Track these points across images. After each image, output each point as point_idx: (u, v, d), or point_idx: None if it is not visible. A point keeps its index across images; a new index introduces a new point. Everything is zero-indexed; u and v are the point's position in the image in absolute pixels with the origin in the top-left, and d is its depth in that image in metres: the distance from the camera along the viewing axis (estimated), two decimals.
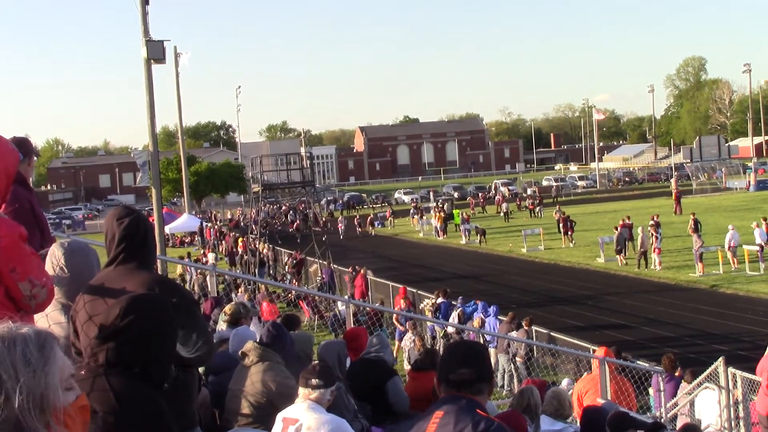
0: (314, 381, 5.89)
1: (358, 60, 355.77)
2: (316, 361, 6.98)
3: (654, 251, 38.18)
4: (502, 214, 71.55)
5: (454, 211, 68.95)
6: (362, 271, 33.81)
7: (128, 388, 3.72)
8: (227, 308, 9.51)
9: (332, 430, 5.65)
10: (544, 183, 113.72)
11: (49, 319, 4.76)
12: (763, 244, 36.10)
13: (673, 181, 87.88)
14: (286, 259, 45.42)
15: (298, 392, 6.00)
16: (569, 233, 50.06)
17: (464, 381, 4.16)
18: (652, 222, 42.53)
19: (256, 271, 42.78)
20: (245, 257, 48.42)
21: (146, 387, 3.80)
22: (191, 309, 4.68)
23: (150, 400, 3.82)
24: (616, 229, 41.48)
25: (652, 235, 38.57)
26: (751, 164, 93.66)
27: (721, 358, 13.80)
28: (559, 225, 52.44)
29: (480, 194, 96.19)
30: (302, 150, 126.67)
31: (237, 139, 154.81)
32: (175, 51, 55.84)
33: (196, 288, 30.63)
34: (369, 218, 74.55)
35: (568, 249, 47.87)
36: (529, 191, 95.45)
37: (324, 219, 69.07)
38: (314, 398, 5.84)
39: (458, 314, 23.82)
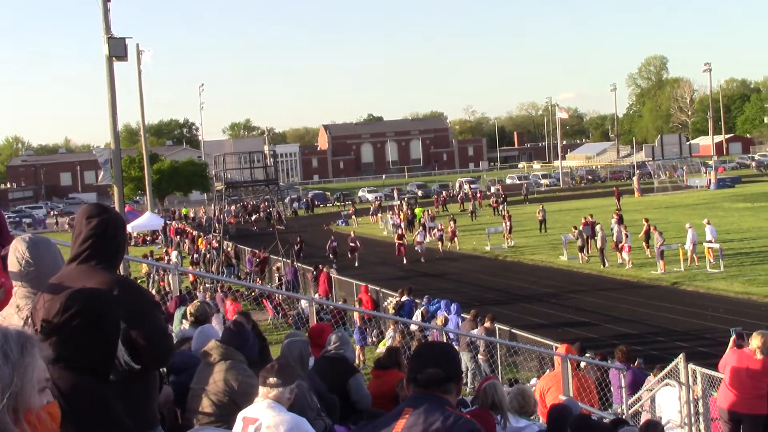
0: (272, 380, 5.87)
1: (322, 58, 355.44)
2: (275, 360, 6.97)
3: (624, 249, 38.37)
4: (469, 212, 71.53)
5: (416, 209, 68.94)
6: (325, 270, 33.77)
7: (72, 383, 3.72)
8: (191, 307, 9.46)
9: (291, 429, 5.63)
10: (508, 181, 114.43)
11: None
12: (713, 240, 36.60)
13: (635, 179, 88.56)
14: (248, 257, 45.29)
15: (258, 391, 5.99)
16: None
17: (433, 380, 4.18)
18: (614, 218, 43.00)
19: (224, 270, 42.64)
20: (208, 256, 48.24)
21: (91, 380, 3.80)
22: (151, 310, 4.66)
23: (95, 393, 3.82)
24: (575, 228, 41.77)
25: (623, 232, 38.73)
26: (711, 162, 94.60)
27: (681, 355, 13.94)
28: (541, 224, 53.62)
29: (443, 192, 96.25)
30: (266, 148, 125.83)
31: (200, 137, 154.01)
32: (138, 48, 55.42)
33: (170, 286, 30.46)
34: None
35: (532, 246, 48.11)
36: (492, 189, 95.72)
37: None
38: (273, 397, 5.82)
39: (422, 312, 23.88)
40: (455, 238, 51.91)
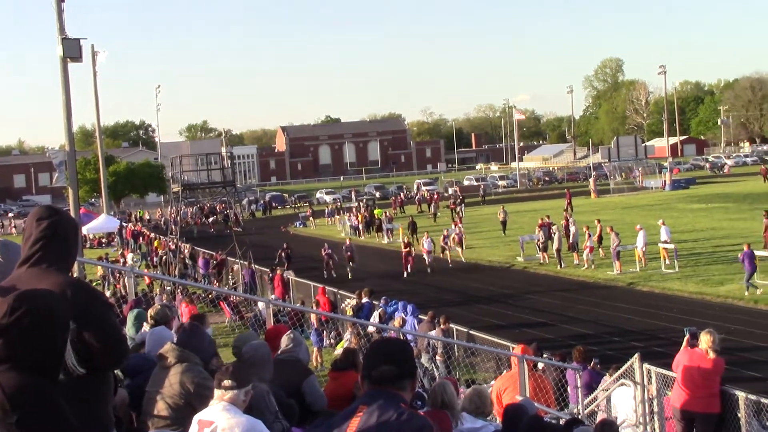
0: (227, 382, 5.84)
1: (280, 59, 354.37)
2: (230, 362, 6.95)
3: (586, 249, 38.61)
4: (430, 214, 71.53)
5: (375, 210, 68.91)
6: (279, 272, 33.60)
7: (19, 384, 3.70)
8: (152, 310, 9.39)
9: (246, 431, 5.62)
10: (465, 183, 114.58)
11: None
12: (668, 241, 37.00)
13: (591, 180, 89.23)
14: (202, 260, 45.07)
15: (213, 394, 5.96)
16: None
17: (386, 377, 4.17)
18: (564, 221, 43.44)
19: (176, 272, 42.35)
20: (164, 258, 47.92)
21: (39, 381, 3.78)
22: (104, 312, 4.63)
23: (42, 393, 3.80)
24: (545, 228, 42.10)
25: (585, 233, 38.99)
26: (666, 164, 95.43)
27: (636, 355, 14.06)
28: (503, 225, 53.71)
29: (401, 194, 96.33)
30: (223, 150, 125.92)
31: (157, 139, 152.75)
32: (93, 49, 54.93)
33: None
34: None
35: (489, 248, 48.28)
36: (450, 191, 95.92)
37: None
38: (228, 399, 5.79)
39: (380, 314, 23.89)
40: (462, 246, 45.79)
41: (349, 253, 43.75)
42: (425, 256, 42.65)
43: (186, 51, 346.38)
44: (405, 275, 41.13)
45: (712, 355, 12.45)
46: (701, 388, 12.48)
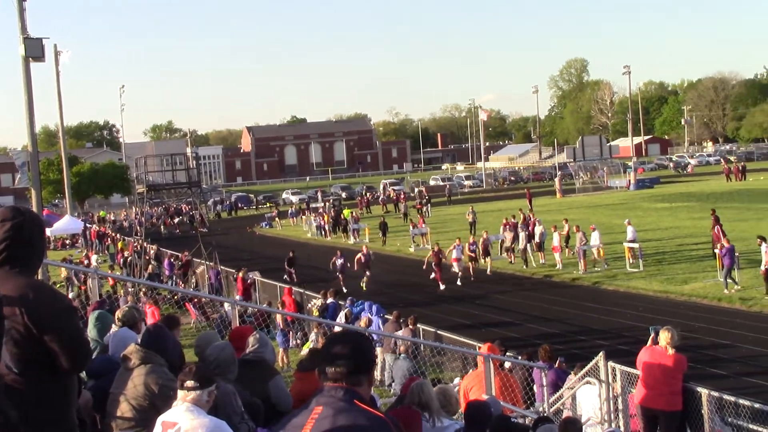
0: (189, 383, 5.80)
1: (245, 59, 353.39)
2: (193, 363, 6.92)
3: (553, 250, 38.79)
4: (401, 214, 71.58)
5: (345, 210, 68.94)
6: (240, 273, 33.33)
7: None
8: (119, 312, 9.33)
9: None
10: (431, 183, 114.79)
11: None
12: (634, 240, 37.26)
13: (557, 180, 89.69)
14: (167, 261, 44.83)
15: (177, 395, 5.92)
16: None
17: (342, 372, 4.10)
18: (522, 219, 43.87)
19: (145, 274, 42.09)
20: (129, 259, 47.62)
21: None
22: (66, 315, 4.60)
23: None
24: (508, 228, 42.24)
25: (553, 232, 39.19)
26: (631, 163, 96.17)
27: (601, 353, 14.16)
28: (472, 226, 53.78)
29: (368, 194, 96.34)
30: (188, 150, 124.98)
31: (121, 139, 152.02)
32: (55, 49, 54.54)
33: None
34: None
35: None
36: (416, 191, 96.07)
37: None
38: (191, 400, 5.76)
39: (346, 314, 23.87)
40: (488, 256, 40.43)
41: (364, 262, 38.09)
42: (455, 266, 37.51)
43: (150, 51, 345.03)
44: (442, 287, 36.03)
45: (671, 351, 12.57)
46: (663, 386, 12.59)
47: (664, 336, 12.66)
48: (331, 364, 4.14)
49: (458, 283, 36.93)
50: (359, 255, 38.34)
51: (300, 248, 57.84)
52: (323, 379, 4.20)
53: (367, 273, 37.92)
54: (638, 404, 13.03)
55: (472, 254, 39.09)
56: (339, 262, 38.36)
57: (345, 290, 34.31)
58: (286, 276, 38.97)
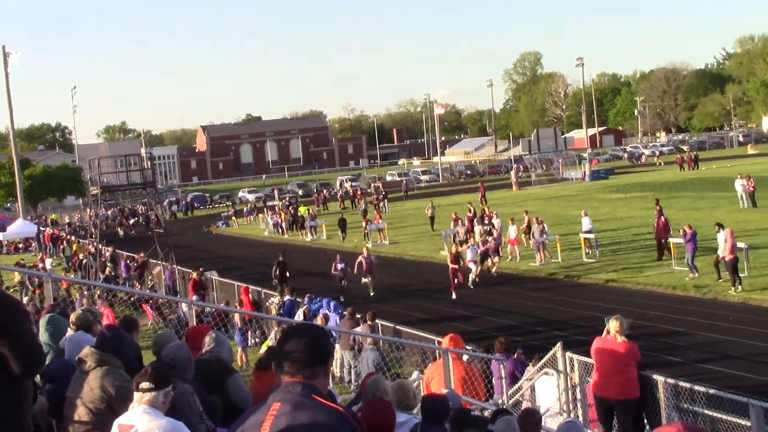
0: (145, 384, 5.75)
1: (198, 58, 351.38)
2: (150, 364, 6.88)
3: (509, 243, 38.95)
4: (360, 210, 71.56)
5: (301, 208, 68.85)
6: (194, 275, 32.92)
7: None
8: (73, 316, 9.23)
9: None
10: (388, 178, 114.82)
11: None
12: (591, 231, 37.58)
13: (512, 173, 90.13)
14: (124, 262, 44.57)
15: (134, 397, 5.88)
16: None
17: (298, 365, 4.08)
18: (468, 214, 44.16)
19: (101, 275, 41.74)
20: (84, 261, 47.22)
21: None
22: (18, 319, 4.57)
23: None
24: (460, 222, 42.40)
25: (512, 224, 39.40)
26: (585, 155, 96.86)
27: (559, 344, 14.26)
28: (431, 220, 53.73)
29: (324, 191, 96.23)
30: (142, 151, 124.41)
31: (74, 141, 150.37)
32: (4, 51, 53.94)
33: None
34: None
35: (413, 243, 48.51)
36: (372, 187, 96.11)
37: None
38: (147, 402, 5.72)
39: (304, 312, 23.85)
40: (498, 255, 36.96)
41: (366, 266, 34.46)
42: (471, 266, 34.31)
43: (102, 51, 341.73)
44: (454, 296, 32.28)
45: (620, 339, 12.71)
46: (616, 375, 12.71)
47: (613, 325, 12.80)
48: (287, 358, 4.11)
49: (470, 285, 33.76)
50: (360, 258, 34.74)
51: (258, 247, 57.83)
52: (280, 374, 4.17)
53: (370, 278, 34.36)
54: (593, 393, 13.16)
55: (482, 250, 35.76)
56: (339, 266, 34.37)
57: (342, 299, 30.84)
58: (275, 281, 34.48)
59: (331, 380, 14.94)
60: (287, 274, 34.84)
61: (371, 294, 33.77)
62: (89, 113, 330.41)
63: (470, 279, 33.96)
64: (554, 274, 34.73)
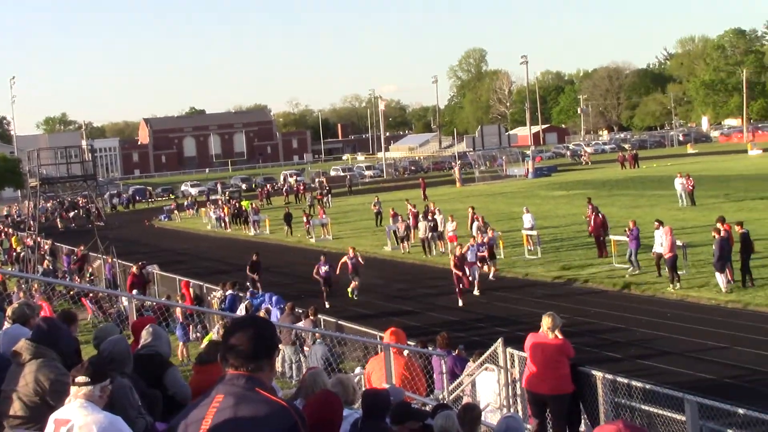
0: (81, 378, 5.68)
1: (142, 50, 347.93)
2: (88, 358, 6.82)
3: (449, 239, 39.13)
4: (307, 205, 71.38)
5: (243, 202, 68.64)
6: (134, 268, 32.60)
7: None
8: (9, 309, 9.10)
9: (104, 428, 5.48)
10: (332, 173, 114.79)
11: None
12: (533, 227, 37.88)
13: (456, 169, 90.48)
14: (65, 256, 44.09)
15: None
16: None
17: (243, 358, 4.09)
18: (411, 209, 44.45)
19: (40, 268, 41.23)
20: (23, 254, 46.63)
21: None
22: None
23: None
24: (400, 218, 42.49)
25: (452, 221, 39.56)
26: (529, 152, 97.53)
27: (500, 340, 14.39)
28: (378, 216, 53.48)
29: (268, 185, 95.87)
30: (83, 143, 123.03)
31: (12, 132, 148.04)
32: None
33: None
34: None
35: (356, 238, 48.55)
36: (316, 181, 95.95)
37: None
38: (83, 396, 5.65)
39: (246, 306, 23.76)
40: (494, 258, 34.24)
41: (351, 268, 32.06)
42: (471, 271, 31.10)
43: (42, 41, 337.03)
44: (461, 303, 29.35)
45: (552, 336, 12.88)
46: (547, 370, 12.86)
47: (546, 321, 12.95)
48: (232, 350, 4.11)
49: (476, 292, 30.53)
50: (344, 259, 32.60)
51: (201, 241, 57.56)
52: (225, 366, 4.16)
53: (356, 280, 31.98)
54: (525, 388, 13.31)
55: (482, 254, 32.70)
56: (323, 270, 31.58)
57: (327, 305, 29.55)
58: (248, 283, 32.49)
59: None
60: (260, 274, 33.77)
61: (354, 297, 31.63)
62: (29, 104, 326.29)
63: (476, 282, 30.83)
64: (497, 270, 34.92)
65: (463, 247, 30.96)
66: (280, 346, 20.91)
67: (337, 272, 32.25)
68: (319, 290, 31.35)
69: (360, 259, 32.98)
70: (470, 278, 30.49)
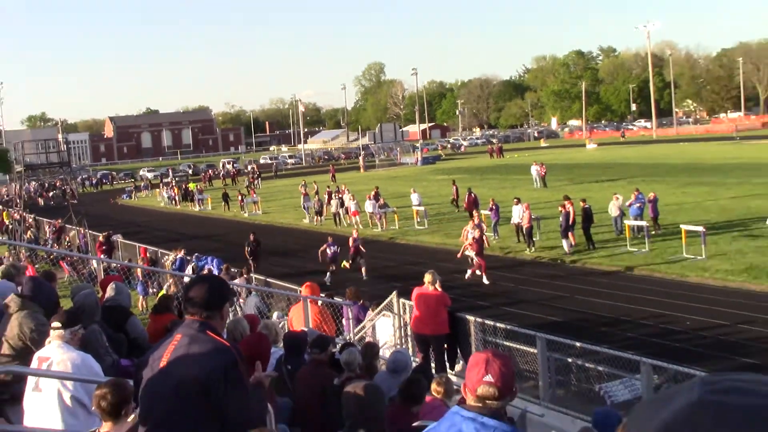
0: (56, 324, 5.75)
1: (107, 60, 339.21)
2: (67, 307, 6.80)
3: (352, 214, 39.33)
4: (245, 187, 70.49)
5: (191, 184, 68.09)
6: (101, 237, 32.06)
7: None
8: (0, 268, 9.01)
9: (77, 364, 5.52)
10: (261, 161, 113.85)
11: None
12: (420, 204, 38.30)
13: (360, 158, 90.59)
14: (47, 227, 43.11)
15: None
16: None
17: (198, 307, 4.21)
18: (335, 189, 44.53)
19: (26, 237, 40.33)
20: (11, 227, 45.53)
21: None
22: None
23: None
24: (309, 197, 42.41)
25: (353, 200, 39.71)
26: (418, 145, 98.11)
27: (394, 292, 14.58)
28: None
29: (210, 171, 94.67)
30: (60, 136, 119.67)
31: (1, 128, 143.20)
32: None
33: None
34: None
35: (281, 213, 48.36)
36: (249, 168, 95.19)
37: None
38: (59, 337, 5.69)
39: (192, 267, 23.52)
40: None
41: (354, 249, 27.62)
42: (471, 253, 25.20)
43: (23, 49, 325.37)
44: (486, 281, 24.57)
45: (432, 288, 13.15)
46: (430, 316, 13.14)
47: (427, 278, 13.24)
48: (191, 300, 4.24)
49: (485, 281, 24.60)
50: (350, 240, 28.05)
51: (155, 215, 56.60)
52: (185, 313, 4.31)
53: (360, 260, 27.58)
54: (412, 330, 13.57)
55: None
56: (331, 250, 27.09)
57: (329, 283, 24.61)
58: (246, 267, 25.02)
59: None
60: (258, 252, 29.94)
61: (364, 278, 26.75)
62: (15, 105, 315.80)
63: (482, 272, 24.79)
64: (392, 238, 35.23)
65: (477, 231, 24.83)
66: None
67: (354, 253, 27.66)
68: (328, 269, 27.00)
69: (361, 241, 28.72)
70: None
